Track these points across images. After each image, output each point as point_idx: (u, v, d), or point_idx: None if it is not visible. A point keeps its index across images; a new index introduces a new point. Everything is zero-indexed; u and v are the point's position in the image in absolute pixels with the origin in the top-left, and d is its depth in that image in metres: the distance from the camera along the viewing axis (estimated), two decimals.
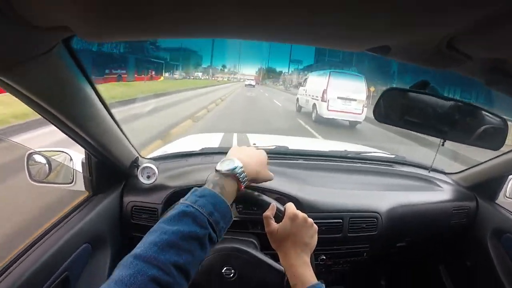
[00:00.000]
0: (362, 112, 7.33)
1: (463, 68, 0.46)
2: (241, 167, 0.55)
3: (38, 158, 0.88)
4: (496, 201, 1.19)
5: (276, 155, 1.23)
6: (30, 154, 0.87)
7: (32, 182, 0.88)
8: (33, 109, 0.55)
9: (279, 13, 0.32)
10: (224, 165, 0.55)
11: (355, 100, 7.40)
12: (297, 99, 9.67)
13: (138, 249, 0.43)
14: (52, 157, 0.89)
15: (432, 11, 0.29)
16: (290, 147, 1.31)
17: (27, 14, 0.33)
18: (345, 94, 7.31)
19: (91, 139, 0.71)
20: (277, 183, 0.96)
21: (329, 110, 7.27)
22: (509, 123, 0.75)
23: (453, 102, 0.83)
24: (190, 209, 0.47)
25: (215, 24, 0.36)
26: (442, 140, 0.77)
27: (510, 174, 1.14)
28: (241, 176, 0.55)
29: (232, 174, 0.54)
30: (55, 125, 0.63)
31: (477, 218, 1.19)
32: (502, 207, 1.16)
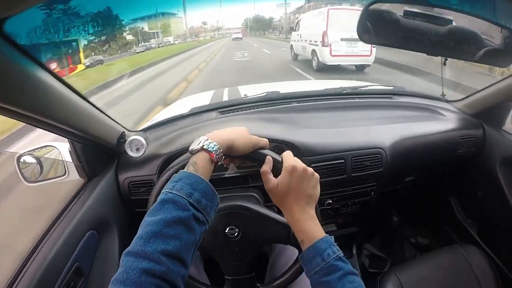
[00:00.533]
0: (371, 53, 6.11)
1: None
2: (206, 139, 0.55)
3: (27, 159, 0.85)
4: (504, 128, 1.15)
5: (268, 102, 1.17)
6: (19, 157, 0.85)
7: (29, 184, 0.86)
8: None
9: None
10: (193, 144, 0.56)
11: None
12: (291, 46, 8.29)
13: (129, 246, 0.44)
14: (41, 155, 0.87)
15: None
16: (281, 92, 1.25)
17: None
18: (349, 35, 5.84)
19: (65, 125, 0.67)
20: (271, 130, 0.93)
21: (332, 56, 6.06)
22: None
23: (449, 27, 0.78)
24: (168, 195, 0.47)
25: None
26: (443, 59, 0.72)
27: None
28: (209, 147, 0.54)
29: (199, 148, 0.54)
30: (22, 121, 0.58)
31: (485, 146, 1.15)
32: (510, 133, 1.12)
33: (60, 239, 0.67)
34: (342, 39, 5.96)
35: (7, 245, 1.00)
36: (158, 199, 0.48)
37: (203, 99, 1.76)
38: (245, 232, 0.68)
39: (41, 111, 0.58)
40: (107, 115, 0.83)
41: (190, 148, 0.56)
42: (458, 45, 0.78)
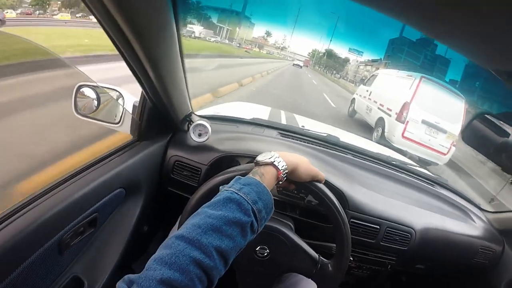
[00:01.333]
0: (448, 152, 4.66)
1: None
2: (278, 156, 0.57)
3: (88, 91, 0.85)
4: None
5: (326, 143, 1.20)
6: (80, 86, 0.84)
7: (77, 115, 0.85)
8: (110, 32, 0.52)
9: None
10: (262, 156, 0.58)
11: (444, 132, 4.58)
12: (353, 100, 6.93)
13: (181, 230, 0.44)
14: (103, 94, 0.87)
15: None
16: (341, 139, 1.28)
17: None
18: (434, 119, 4.55)
19: (157, 80, 0.68)
20: (325, 172, 0.94)
21: (403, 137, 4.62)
22: None
23: None
24: (235, 195, 0.48)
25: None
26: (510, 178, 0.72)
27: None
28: (279, 164, 0.57)
29: (269, 162, 0.56)
30: (125, 56, 0.60)
31: (499, 263, 1.16)
32: None
33: (88, 186, 0.66)
34: (423, 121, 4.57)
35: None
36: (222, 195, 0.49)
37: (262, 111, 1.79)
38: (273, 255, 0.69)
39: (152, 59, 0.61)
40: (188, 91, 0.85)
41: (259, 158, 0.57)
42: None
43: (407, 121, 4.58)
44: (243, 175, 0.55)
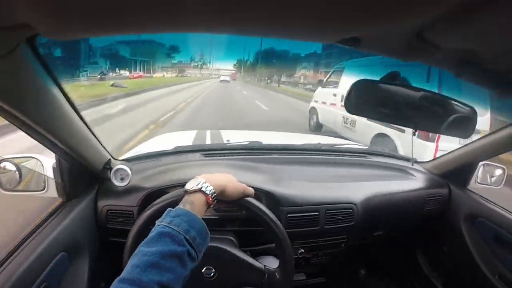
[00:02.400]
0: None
1: (432, 60, 0.47)
2: (204, 182, 0.59)
3: (7, 165, 0.83)
4: (468, 187, 1.24)
5: (250, 150, 1.23)
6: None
7: (3, 192, 0.84)
8: None
9: (247, 7, 0.32)
10: (189, 184, 0.59)
11: None
12: (312, 110, 5.64)
13: (123, 273, 0.44)
14: (22, 164, 0.85)
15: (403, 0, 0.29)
16: (263, 142, 1.31)
17: None
18: None
19: (60, 142, 0.68)
20: (251, 179, 0.97)
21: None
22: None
23: (423, 92, 0.87)
24: (166, 229, 0.49)
25: (183, 18, 0.35)
26: (413, 130, 0.80)
27: (480, 161, 1.19)
28: (207, 189, 0.58)
29: (197, 189, 0.58)
30: (21, 129, 0.60)
31: (451, 204, 1.24)
32: (474, 192, 1.22)
33: (30, 257, 0.65)
34: None
35: None
36: (155, 231, 0.49)
37: (186, 138, 1.80)
38: (220, 273, 0.70)
39: (44, 125, 0.60)
40: (99, 141, 0.85)
41: (187, 187, 0.59)
42: (429, 110, 0.87)
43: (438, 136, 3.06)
44: (172, 203, 0.57)
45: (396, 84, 0.75)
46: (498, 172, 1.21)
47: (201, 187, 0.58)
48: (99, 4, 0.31)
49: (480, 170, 1.21)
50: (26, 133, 0.61)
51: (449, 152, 1.25)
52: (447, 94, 0.85)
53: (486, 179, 1.22)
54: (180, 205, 0.55)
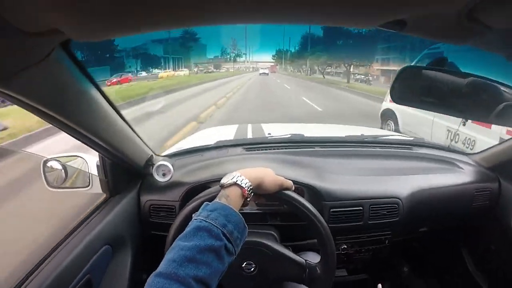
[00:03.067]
0: None
1: (482, 41, 0.43)
2: (239, 175, 0.59)
3: (53, 164, 0.89)
4: None
5: (292, 144, 1.21)
6: (46, 161, 0.88)
7: (50, 189, 0.89)
8: (39, 117, 0.55)
9: None
10: (225, 178, 0.59)
11: None
12: (386, 113, 4.18)
13: (159, 267, 0.45)
14: (67, 163, 0.90)
15: None
16: (306, 135, 1.29)
17: (16, 21, 0.32)
18: None
19: (102, 141, 0.71)
20: (293, 173, 0.95)
21: None
22: None
23: (470, 78, 0.80)
24: (203, 223, 0.49)
25: (209, 10, 0.35)
26: (462, 120, 0.75)
27: None
28: (242, 182, 0.58)
29: (232, 183, 0.57)
30: (64, 131, 0.63)
31: (500, 200, 1.15)
32: None
33: (75, 249, 0.69)
34: None
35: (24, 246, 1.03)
36: (192, 225, 0.50)
37: (227, 132, 1.81)
38: (261, 268, 0.70)
39: (86, 126, 0.63)
40: (140, 138, 0.88)
41: (223, 181, 0.59)
42: (478, 98, 0.80)
43: None
44: (210, 198, 0.57)
45: (442, 70, 0.70)
46: None
47: (236, 181, 0.57)
48: (120, 4, 0.31)
49: None
50: (69, 134, 0.64)
51: (499, 143, 1.15)
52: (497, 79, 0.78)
53: None
54: (216, 199, 0.55)
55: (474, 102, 0.84)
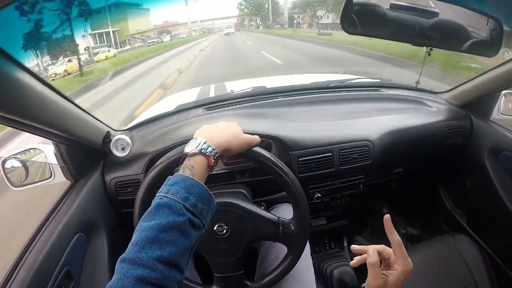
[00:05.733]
0: None
1: None
2: (205, 142, 0.54)
3: (13, 163, 0.84)
4: (491, 118, 1.16)
5: (254, 97, 1.16)
6: (4, 162, 0.83)
7: (14, 189, 0.85)
8: None
9: None
10: (188, 147, 0.55)
11: None
12: None
13: (124, 252, 0.43)
14: (27, 159, 0.85)
15: None
16: (268, 86, 1.24)
17: None
18: None
19: (48, 127, 0.65)
20: (258, 126, 0.93)
21: None
22: None
23: (435, 19, 0.78)
24: (164, 200, 0.47)
25: None
26: (428, 49, 0.73)
27: (502, 90, 1.09)
28: (207, 151, 0.54)
29: (197, 152, 0.53)
30: (6, 125, 0.57)
31: (473, 136, 1.17)
32: (497, 124, 1.13)
33: (48, 243, 0.66)
34: None
35: None
36: (153, 203, 0.47)
37: (190, 96, 1.74)
38: (233, 229, 0.68)
39: (23, 113, 0.57)
40: (92, 115, 0.82)
41: (186, 150, 0.55)
42: (444, 38, 0.79)
43: None
44: (173, 162, 0.56)
45: (399, 6, 0.67)
46: None
47: (201, 149, 0.53)
48: None
49: (502, 100, 1.12)
50: (9, 126, 0.58)
51: (468, 81, 1.14)
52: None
53: (509, 110, 1.12)
54: (180, 171, 0.52)
55: (441, 42, 0.82)
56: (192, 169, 0.52)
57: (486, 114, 1.15)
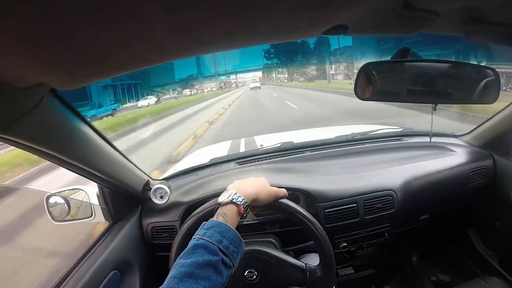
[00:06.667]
0: None
1: (435, 27, 0.44)
2: (235, 193, 0.61)
3: (56, 199, 0.92)
4: None
5: (283, 152, 1.23)
6: (49, 197, 0.91)
7: (55, 223, 0.92)
8: (39, 156, 0.59)
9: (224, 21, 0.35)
10: (221, 197, 0.62)
11: None
12: None
13: (163, 284, 0.48)
14: (69, 196, 0.93)
15: None
16: (295, 141, 1.31)
17: (8, 79, 0.38)
18: None
19: (98, 172, 0.74)
20: (286, 180, 0.98)
21: None
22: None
23: (451, 64, 0.82)
24: (200, 241, 0.52)
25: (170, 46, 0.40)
26: (433, 105, 0.76)
27: None
28: (238, 200, 0.60)
29: (229, 201, 0.60)
30: (63, 167, 0.67)
31: (497, 175, 1.15)
32: None
33: (84, 277, 0.71)
34: None
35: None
36: (190, 244, 0.53)
37: (221, 149, 1.83)
38: (263, 276, 0.71)
39: (82, 160, 0.67)
40: (134, 164, 0.91)
41: (220, 200, 0.62)
42: (461, 79, 0.82)
43: None
44: (205, 214, 0.61)
45: (410, 61, 0.72)
46: None
47: (232, 199, 0.60)
48: (96, 56, 0.37)
49: None
50: (67, 168, 0.68)
51: (486, 121, 1.16)
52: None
53: None
54: (214, 218, 0.58)
55: (458, 84, 0.85)
56: (225, 216, 0.58)
57: (509, 151, 1.15)
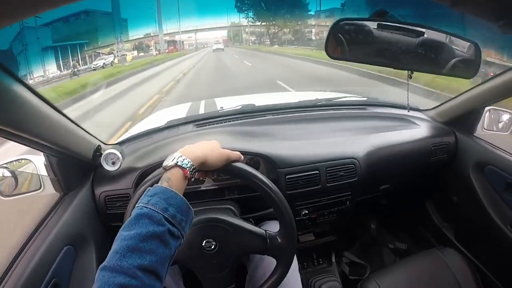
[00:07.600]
0: None
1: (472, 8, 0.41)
2: (180, 155, 0.57)
3: (2, 172, 0.83)
4: (475, 134, 1.19)
5: (243, 114, 1.18)
6: None
7: (4, 199, 0.84)
8: None
9: None
10: (166, 161, 0.57)
11: None
12: None
13: (105, 261, 0.44)
14: (16, 169, 0.85)
15: None
16: (257, 104, 1.27)
17: None
18: None
19: (41, 139, 0.66)
20: (246, 144, 0.95)
21: None
22: None
23: (421, 38, 0.81)
24: (144, 210, 0.48)
25: None
26: (408, 73, 0.76)
27: (486, 106, 1.12)
28: (183, 163, 0.56)
29: (173, 165, 0.56)
30: (1, 136, 0.58)
31: (458, 152, 1.20)
32: (481, 139, 1.17)
33: (36, 255, 0.66)
34: None
35: None
36: (133, 213, 0.48)
37: (180, 111, 1.75)
38: (222, 244, 0.68)
39: (15, 125, 0.58)
40: (83, 129, 0.83)
41: (164, 164, 0.57)
42: (429, 56, 0.82)
43: None
44: (156, 181, 0.55)
45: (386, 25, 0.70)
46: (506, 117, 1.13)
47: (177, 162, 0.55)
48: None
49: (486, 116, 1.15)
50: (4, 137, 0.59)
51: (452, 98, 1.19)
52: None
53: (492, 125, 1.16)
54: (159, 183, 0.54)
55: (425, 60, 0.85)
56: (169, 181, 0.53)
57: (471, 130, 1.19)
